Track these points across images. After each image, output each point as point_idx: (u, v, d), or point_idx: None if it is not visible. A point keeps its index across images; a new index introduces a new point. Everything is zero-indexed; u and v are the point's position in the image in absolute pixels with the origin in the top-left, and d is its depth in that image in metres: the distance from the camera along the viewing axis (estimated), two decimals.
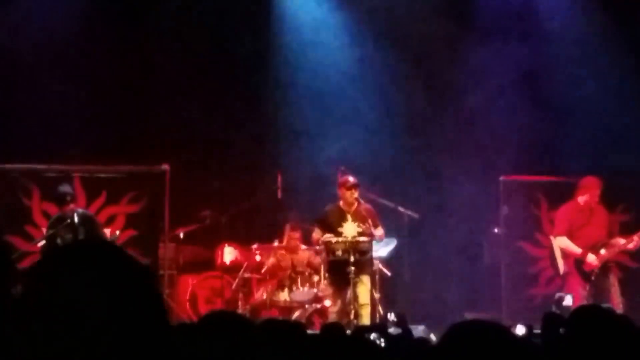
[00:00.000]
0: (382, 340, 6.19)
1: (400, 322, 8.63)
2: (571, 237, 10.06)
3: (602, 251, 9.96)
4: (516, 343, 2.44)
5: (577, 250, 9.96)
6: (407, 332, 6.87)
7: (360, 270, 9.72)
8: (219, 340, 2.49)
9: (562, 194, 11.55)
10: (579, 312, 4.21)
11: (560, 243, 10.18)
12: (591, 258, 9.87)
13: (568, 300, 10.61)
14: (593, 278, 9.87)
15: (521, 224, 11.69)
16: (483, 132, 12.25)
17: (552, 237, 10.48)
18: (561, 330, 4.98)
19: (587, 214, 10.08)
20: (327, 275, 10.20)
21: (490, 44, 11.90)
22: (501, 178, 11.64)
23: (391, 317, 9.43)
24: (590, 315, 3.99)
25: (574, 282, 10.02)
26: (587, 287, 9.86)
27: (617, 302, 9.72)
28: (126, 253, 1.58)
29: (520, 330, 8.90)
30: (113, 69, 11.95)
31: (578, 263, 9.96)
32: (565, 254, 10.17)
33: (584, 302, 9.54)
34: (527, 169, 11.98)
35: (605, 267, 9.95)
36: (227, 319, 2.62)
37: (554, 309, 10.10)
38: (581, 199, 10.11)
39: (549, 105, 12.35)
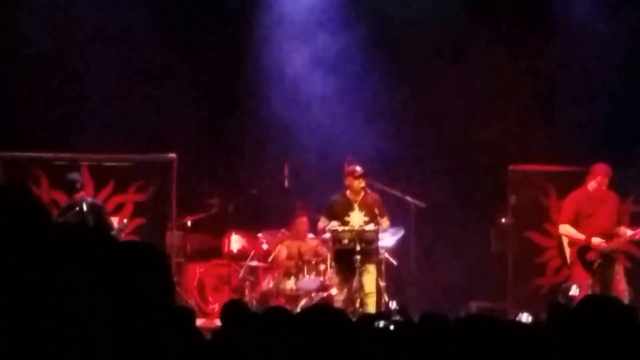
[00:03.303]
0: (391, 327, 6.23)
1: (402, 311, 8.70)
2: (578, 225, 9.95)
3: (610, 240, 9.87)
4: (517, 337, 2.48)
5: (580, 236, 9.87)
6: (409, 321, 6.90)
7: (366, 259, 9.78)
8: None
9: (572, 184, 11.54)
10: (584, 302, 4.23)
11: (564, 231, 10.11)
12: (597, 241, 9.77)
13: (574, 291, 10.62)
14: (595, 267, 9.82)
15: (530, 213, 11.65)
16: (492, 121, 12.27)
17: (559, 226, 10.37)
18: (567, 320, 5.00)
19: (596, 202, 9.96)
20: (333, 263, 10.25)
21: None
22: (510, 167, 11.60)
23: (393, 305, 9.50)
24: (596, 305, 4.01)
25: (578, 272, 9.99)
26: (590, 277, 9.82)
27: (622, 291, 9.69)
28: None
29: (526, 319, 8.93)
30: (120, 57, 11.97)
31: (581, 252, 9.87)
32: (571, 243, 10.13)
33: (589, 292, 9.52)
34: (536, 158, 11.94)
35: (609, 257, 9.89)
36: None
37: (560, 298, 10.13)
38: (590, 186, 9.97)
39: (560, 94, 12.37)
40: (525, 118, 12.24)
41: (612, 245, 9.86)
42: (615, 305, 4.13)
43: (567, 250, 10.35)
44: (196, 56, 12.20)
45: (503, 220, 11.88)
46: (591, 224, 9.91)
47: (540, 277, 11.56)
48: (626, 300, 9.36)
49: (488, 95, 12.33)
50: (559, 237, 11.54)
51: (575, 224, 9.98)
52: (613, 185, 10.09)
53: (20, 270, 1.52)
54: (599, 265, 9.80)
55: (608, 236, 9.87)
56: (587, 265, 9.82)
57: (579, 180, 11.07)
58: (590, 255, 9.84)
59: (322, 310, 3.09)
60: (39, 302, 1.49)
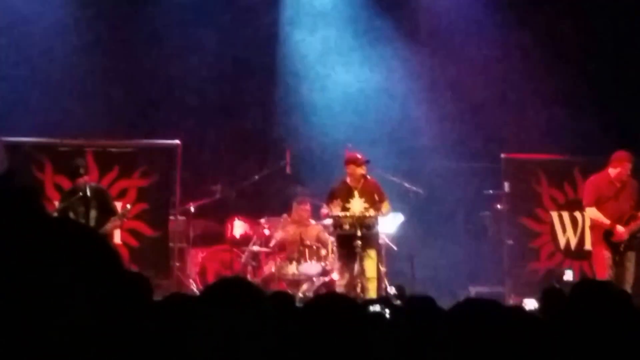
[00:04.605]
0: (387, 311, 6.40)
1: (400, 295, 8.86)
2: (598, 208, 9.94)
3: (629, 224, 9.90)
4: (511, 321, 2.63)
5: (606, 221, 9.83)
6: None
7: (367, 245, 9.85)
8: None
9: (562, 171, 11.80)
10: (580, 286, 4.41)
11: (590, 214, 10.08)
12: (620, 229, 9.77)
13: (568, 275, 10.82)
14: (622, 249, 9.79)
15: (523, 200, 11.86)
16: (486, 111, 12.45)
17: (585, 209, 10.22)
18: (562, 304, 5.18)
19: (616, 187, 9.93)
20: (335, 249, 10.39)
21: None
22: (503, 155, 11.81)
23: (391, 290, 9.65)
24: (591, 289, 4.19)
25: (599, 253, 9.95)
26: (616, 258, 9.74)
27: (629, 277, 9.78)
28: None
29: (530, 304, 9.09)
30: (126, 43, 12.06)
31: (607, 235, 9.84)
32: (593, 225, 10.14)
33: (610, 272, 9.64)
34: (528, 147, 12.13)
35: (633, 240, 9.93)
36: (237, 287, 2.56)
37: (554, 283, 10.31)
38: (612, 171, 9.94)
39: (552, 84, 12.53)
40: (519, 107, 12.45)
41: (633, 228, 9.89)
42: (610, 289, 4.31)
43: (575, 233, 10.44)
44: (202, 43, 12.31)
45: (498, 206, 12.07)
46: (609, 208, 9.90)
47: (535, 261, 11.76)
48: (629, 285, 9.51)
49: (484, 85, 12.51)
50: (550, 223, 11.75)
51: (596, 206, 9.98)
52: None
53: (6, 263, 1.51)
54: (625, 247, 9.87)
55: (629, 217, 9.87)
56: (615, 247, 9.82)
57: (568, 168, 11.36)
58: (617, 237, 9.88)
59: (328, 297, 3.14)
60: (22, 294, 1.49)
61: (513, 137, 12.21)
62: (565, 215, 11.82)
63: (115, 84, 12.02)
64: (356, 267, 9.78)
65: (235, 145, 12.45)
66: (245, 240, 11.64)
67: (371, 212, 9.95)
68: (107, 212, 9.81)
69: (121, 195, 11.11)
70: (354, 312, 2.91)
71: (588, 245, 11.01)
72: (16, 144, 11.19)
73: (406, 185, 11.04)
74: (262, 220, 11.47)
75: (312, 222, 11.33)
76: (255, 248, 11.38)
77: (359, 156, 10.13)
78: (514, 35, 12.47)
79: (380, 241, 10.38)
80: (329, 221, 10.33)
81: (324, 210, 10.25)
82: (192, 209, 11.60)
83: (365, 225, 9.86)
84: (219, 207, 11.87)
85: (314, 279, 10.71)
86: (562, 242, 11.82)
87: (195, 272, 11.65)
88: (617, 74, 12.22)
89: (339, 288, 9.86)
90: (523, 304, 9.79)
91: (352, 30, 12.51)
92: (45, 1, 11.95)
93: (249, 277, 11.13)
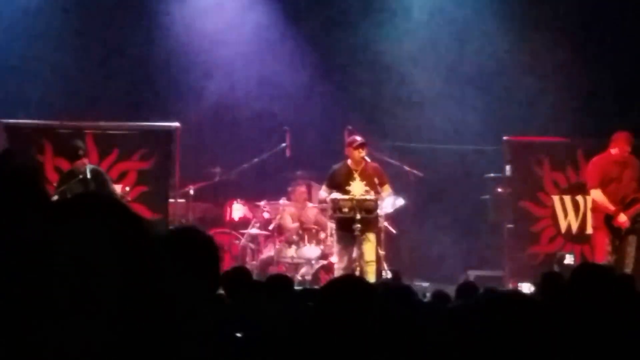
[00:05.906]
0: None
1: (396, 279, 8.87)
2: (602, 189, 9.92)
3: (631, 207, 9.87)
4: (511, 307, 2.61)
5: (610, 207, 9.78)
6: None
7: (366, 228, 9.80)
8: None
9: (564, 154, 11.75)
10: (580, 269, 4.39)
11: (596, 196, 10.00)
12: (622, 218, 9.74)
13: (569, 259, 10.80)
14: (623, 233, 9.75)
15: (524, 183, 11.83)
16: (487, 93, 12.42)
17: (590, 191, 10.15)
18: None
19: (619, 168, 9.91)
20: (334, 232, 10.36)
21: None
22: (505, 138, 11.78)
23: (387, 274, 9.65)
24: (591, 273, 4.16)
25: (600, 237, 9.93)
26: (616, 243, 9.70)
27: (630, 259, 9.76)
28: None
29: (528, 289, 9.10)
30: (124, 26, 12.03)
31: (608, 219, 9.81)
32: (595, 208, 10.10)
33: (608, 257, 9.62)
34: (530, 130, 12.10)
35: (632, 224, 9.88)
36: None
37: (555, 267, 10.31)
38: (613, 152, 9.93)
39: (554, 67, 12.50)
40: (522, 89, 12.43)
41: (634, 213, 9.86)
42: (610, 273, 4.29)
43: (590, 216, 10.42)
44: (201, 26, 12.27)
45: (499, 189, 12.04)
46: (615, 188, 9.86)
47: (535, 245, 11.73)
48: (628, 269, 9.48)
49: (486, 67, 12.48)
50: (552, 207, 11.72)
51: (601, 187, 9.94)
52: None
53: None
54: (626, 231, 9.80)
55: (631, 200, 9.83)
56: (616, 232, 9.78)
57: (571, 151, 11.32)
58: (618, 223, 9.85)
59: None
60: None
61: (515, 119, 12.16)
62: (567, 199, 11.78)
63: (115, 66, 11.99)
64: (355, 250, 9.75)
65: (234, 127, 12.43)
66: (245, 223, 11.67)
67: (371, 196, 9.90)
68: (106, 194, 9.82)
69: (121, 177, 11.13)
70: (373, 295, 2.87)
71: (589, 230, 11.00)
72: (16, 127, 11.17)
73: (406, 168, 11.02)
74: (262, 203, 11.48)
75: (309, 204, 11.32)
76: (254, 231, 11.39)
77: (356, 139, 10.08)
78: (517, 16, 12.42)
79: (380, 224, 10.34)
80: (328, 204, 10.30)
81: (322, 194, 10.21)
82: (192, 192, 11.61)
83: (365, 208, 9.80)
84: (218, 190, 11.91)
85: (313, 262, 10.72)
86: (563, 226, 11.79)
87: None
88: (619, 56, 12.18)
89: (338, 271, 9.83)
90: (519, 288, 9.82)
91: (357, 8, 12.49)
92: None
93: (247, 260, 11.17)
